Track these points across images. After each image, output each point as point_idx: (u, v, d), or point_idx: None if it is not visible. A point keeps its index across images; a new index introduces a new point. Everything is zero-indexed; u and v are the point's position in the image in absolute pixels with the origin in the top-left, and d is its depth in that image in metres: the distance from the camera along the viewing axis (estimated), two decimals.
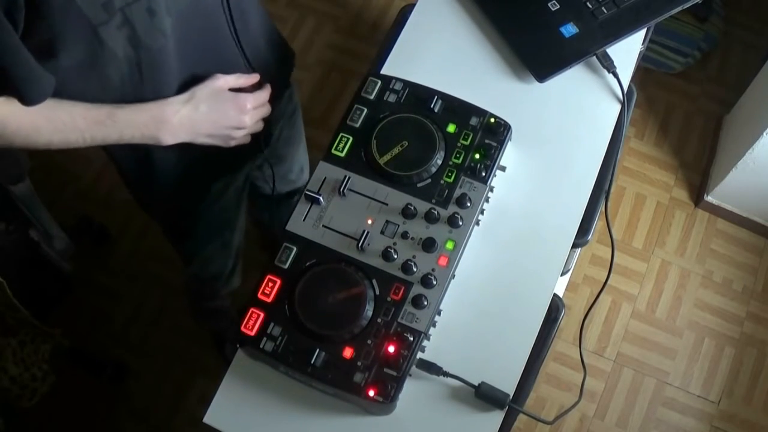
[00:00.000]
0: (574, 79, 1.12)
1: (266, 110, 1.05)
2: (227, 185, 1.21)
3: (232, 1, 0.94)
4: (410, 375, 0.89)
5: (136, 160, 1.06)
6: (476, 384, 0.91)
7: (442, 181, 0.94)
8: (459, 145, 0.96)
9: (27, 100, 0.81)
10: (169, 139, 0.95)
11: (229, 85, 0.99)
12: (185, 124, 0.95)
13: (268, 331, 0.88)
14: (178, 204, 1.20)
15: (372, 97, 0.99)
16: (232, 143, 1.03)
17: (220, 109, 0.98)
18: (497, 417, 0.93)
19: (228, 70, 1.00)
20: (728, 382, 1.91)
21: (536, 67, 1.11)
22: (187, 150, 1.00)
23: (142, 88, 0.91)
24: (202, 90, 0.96)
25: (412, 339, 0.87)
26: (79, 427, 1.85)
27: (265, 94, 1.04)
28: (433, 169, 0.95)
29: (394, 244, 0.91)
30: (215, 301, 1.67)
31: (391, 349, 0.87)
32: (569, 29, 1.13)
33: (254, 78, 1.03)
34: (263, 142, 1.19)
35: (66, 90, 0.85)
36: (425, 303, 0.88)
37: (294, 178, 1.47)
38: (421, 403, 0.92)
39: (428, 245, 0.90)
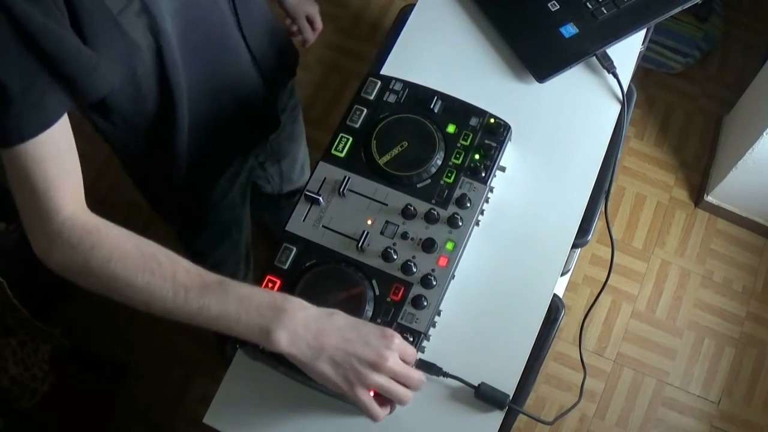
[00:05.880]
0: (574, 80, 1.12)
1: (412, 371, 0.82)
2: (233, 180, 1.21)
3: None
4: None
5: (146, 147, 1.02)
6: (476, 384, 0.91)
7: (441, 182, 0.94)
8: (459, 145, 0.96)
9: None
10: (284, 338, 0.76)
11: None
12: (310, 327, 0.78)
13: None
14: (189, 193, 1.18)
15: (372, 97, 0.99)
16: (358, 391, 0.78)
17: (361, 330, 0.80)
18: (497, 417, 0.93)
19: (231, 60, 0.98)
20: (728, 382, 1.91)
21: (536, 67, 1.11)
22: (197, 131, 0.99)
23: (158, 87, 0.89)
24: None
25: (411, 339, 0.87)
26: (79, 427, 1.85)
27: (414, 350, 0.84)
28: (433, 170, 0.94)
29: (394, 244, 0.91)
30: None
31: None
32: (569, 29, 1.13)
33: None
34: (269, 126, 1.19)
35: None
36: (425, 303, 0.88)
37: (295, 177, 1.46)
38: (421, 403, 0.92)
39: (428, 246, 0.90)
